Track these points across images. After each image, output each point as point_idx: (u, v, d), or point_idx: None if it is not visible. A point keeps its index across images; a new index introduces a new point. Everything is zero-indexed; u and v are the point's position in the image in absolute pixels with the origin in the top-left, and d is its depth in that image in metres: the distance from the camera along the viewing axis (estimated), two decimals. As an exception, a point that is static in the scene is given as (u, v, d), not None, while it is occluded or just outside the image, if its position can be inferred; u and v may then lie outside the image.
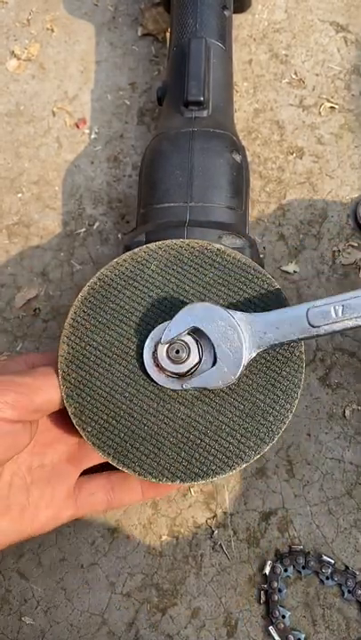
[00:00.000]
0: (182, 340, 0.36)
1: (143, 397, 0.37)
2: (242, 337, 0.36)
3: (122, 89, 0.60)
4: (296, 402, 0.37)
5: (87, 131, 0.59)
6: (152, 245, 0.40)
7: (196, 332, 0.36)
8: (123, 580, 0.45)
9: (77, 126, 0.59)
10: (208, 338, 0.36)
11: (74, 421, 0.37)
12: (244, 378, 0.37)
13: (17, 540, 0.38)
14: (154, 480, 0.37)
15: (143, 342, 0.38)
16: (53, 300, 0.53)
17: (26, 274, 0.55)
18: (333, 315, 0.35)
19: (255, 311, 0.38)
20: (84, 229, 0.56)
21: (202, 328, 0.36)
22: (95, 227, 0.56)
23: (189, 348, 0.36)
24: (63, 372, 0.38)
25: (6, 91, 0.61)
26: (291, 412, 0.37)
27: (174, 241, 0.40)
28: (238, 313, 0.36)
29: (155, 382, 0.37)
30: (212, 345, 0.36)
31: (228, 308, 0.37)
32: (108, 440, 0.37)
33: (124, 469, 0.37)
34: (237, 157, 0.46)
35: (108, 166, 0.58)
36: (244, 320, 0.36)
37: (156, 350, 0.37)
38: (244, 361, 0.35)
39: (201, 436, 0.37)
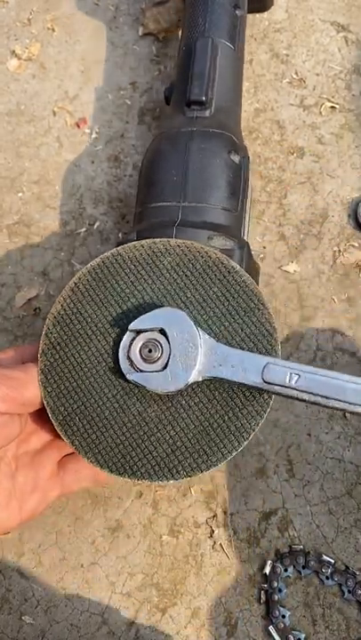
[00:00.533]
0: (156, 340, 0.36)
1: (121, 399, 0.38)
2: (198, 358, 0.36)
3: (122, 89, 0.60)
4: (245, 444, 0.37)
5: (88, 130, 0.59)
6: (172, 241, 0.40)
7: (162, 333, 0.37)
8: (123, 580, 0.45)
9: (78, 126, 0.59)
10: (169, 343, 0.36)
11: (59, 431, 0.38)
12: (205, 400, 0.37)
13: (8, 529, 0.38)
14: (85, 459, 0.37)
15: (118, 345, 0.38)
16: (54, 300, 0.53)
17: (26, 273, 0.55)
18: (287, 380, 0.35)
19: (239, 341, 0.38)
20: (84, 229, 0.56)
21: (168, 332, 0.36)
22: (96, 226, 0.56)
23: (162, 348, 0.36)
24: (48, 329, 0.39)
25: (7, 90, 0.61)
26: (235, 451, 0.36)
27: (195, 244, 0.39)
28: (206, 336, 0.37)
29: (131, 383, 0.37)
30: (170, 352, 0.36)
31: (217, 325, 0.37)
32: (94, 447, 0.37)
33: (113, 474, 0.37)
34: (236, 158, 0.46)
35: (109, 166, 0.58)
36: (208, 345, 0.36)
37: (130, 351, 0.37)
38: (189, 380, 0.36)
39: (144, 437, 0.37)
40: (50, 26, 0.63)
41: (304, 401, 0.35)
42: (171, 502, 0.47)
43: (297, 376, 0.35)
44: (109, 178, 0.57)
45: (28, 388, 0.37)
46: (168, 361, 0.36)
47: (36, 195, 0.57)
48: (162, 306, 0.38)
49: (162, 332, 0.36)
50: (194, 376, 0.36)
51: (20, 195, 0.57)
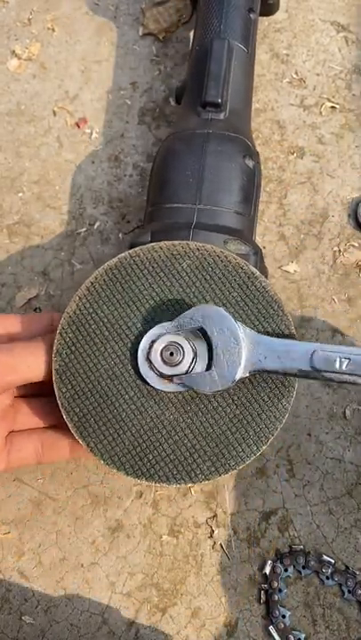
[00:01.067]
0: (176, 343, 0.36)
1: (141, 402, 0.38)
2: (242, 353, 0.35)
3: (123, 89, 0.60)
4: (263, 448, 0.37)
5: (88, 130, 0.59)
6: (192, 244, 0.39)
7: (201, 333, 0.37)
8: (123, 580, 0.46)
9: (78, 126, 0.59)
10: (210, 342, 0.36)
11: (75, 435, 0.38)
12: (224, 404, 0.37)
13: None
14: (101, 461, 0.37)
15: (137, 347, 0.38)
16: (54, 300, 0.53)
17: (26, 273, 0.55)
18: (337, 365, 0.34)
19: (243, 306, 0.38)
20: (84, 229, 0.56)
21: (208, 331, 0.36)
22: (96, 226, 0.56)
23: (184, 352, 0.36)
24: (62, 328, 0.39)
25: (7, 90, 0.61)
26: (253, 455, 0.36)
27: (214, 248, 0.39)
28: (248, 329, 0.36)
29: (152, 386, 0.37)
30: (212, 350, 0.36)
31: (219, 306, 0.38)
32: (112, 450, 0.37)
33: (130, 477, 0.37)
34: (250, 163, 0.46)
35: (109, 166, 0.58)
36: (251, 338, 0.36)
37: (150, 354, 0.37)
38: (237, 376, 0.35)
39: (161, 439, 0.37)
40: (50, 26, 0.63)
41: (358, 384, 0.34)
42: (171, 502, 0.47)
43: (347, 360, 0.34)
44: (109, 178, 0.57)
45: (16, 372, 0.37)
46: (211, 360, 0.36)
47: (36, 195, 0.57)
48: (181, 309, 0.38)
49: (201, 330, 0.36)
50: (240, 372, 0.35)
51: (20, 195, 0.57)
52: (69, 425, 0.38)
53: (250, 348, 0.36)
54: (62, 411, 0.38)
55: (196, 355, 0.37)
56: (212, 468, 0.37)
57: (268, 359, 0.35)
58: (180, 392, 0.37)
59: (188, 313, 0.37)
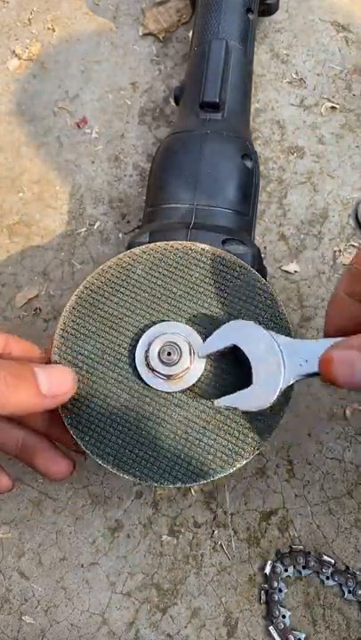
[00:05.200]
0: (174, 342, 0.36)
1: (138, 402, 0.37)
2: (281, 363, 0.34)
3: (123, 89, 0.60)
4: (261, 449, 0.36)
5: (88, 130, 0.59)
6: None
7: (234, 350, 0.36)
8: (123, 580, 0.46)
9: (78, 126, 0.59)
10: (247, 359, 0.35)
11: (70, 432, 0.38)
12: (214, 413, 0.37)
13: None
14: (93, 457, 0.37)
15: (135, 347, 0.38)
16: (54, 300, 0.53)
17: (26, 273, 0.55)
18: None
19: (242, 304, 0.38)
20: (84, 229, 0.56)
21: (242, 348, 0.35)
22: (96, 226, 0.56)
23: (181, 351, 0.36)
24: (62, 326, 0.39)
25: (7, 90, 0.61)
26: (250, 456, 0.36)
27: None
28: (282, 337, 0.35)
29: (149, 386, 0.37)
30: (250, 366, 0.35)
31: (215, 305, 0.38)
32: (106, 448, 0.37)
33: (124, 476, 0.37)
34: (248, 163, 0.46)
35: (109, 166, 0.58)
36: (288, 346, 0.35)
37: (148, 354, 0.37)
38: (281, 387, 0.34)
39: (156, 440, 0.37)
40: (50, 26, 0.63)
41: None
42: (171, 502, 0.47)
43: None
44: (110, 178, 0.57)
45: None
46: (251, 375, 0.35)
47: (36, 195, 0.57)
48: (179, 308, 0.38)
49: (235, 348, 0.35)
50: (283, 382, 0.34)
51: (20, 195, 0.57)
52: (65, 422, 0.38)
53: (290, 355, 0.34)
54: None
55: (193, 353, 0.37)
56: (205, 468, 0.36)
57: (308, 362, 0.34)
58: (176, 392, 0.37)
59: (218, 333, 0.36)
